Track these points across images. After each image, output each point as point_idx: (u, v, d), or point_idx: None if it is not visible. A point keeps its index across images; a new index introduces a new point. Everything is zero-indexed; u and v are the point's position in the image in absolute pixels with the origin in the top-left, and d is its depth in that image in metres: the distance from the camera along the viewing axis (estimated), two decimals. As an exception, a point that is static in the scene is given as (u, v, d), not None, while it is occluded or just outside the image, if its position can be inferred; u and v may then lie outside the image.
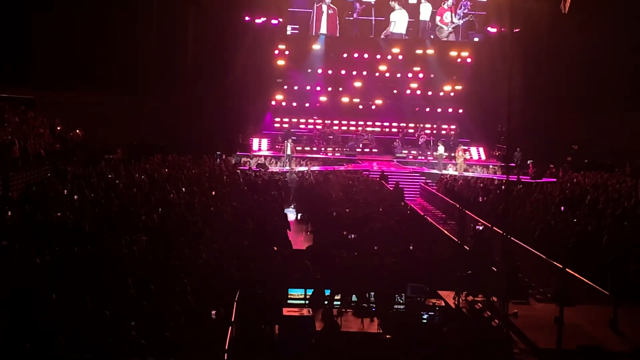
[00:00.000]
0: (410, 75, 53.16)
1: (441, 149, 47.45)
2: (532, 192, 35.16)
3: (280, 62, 52.12)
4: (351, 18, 51.67)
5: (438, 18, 52.03)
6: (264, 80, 52.11)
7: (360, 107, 53.75)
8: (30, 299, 15.09)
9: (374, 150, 50.39)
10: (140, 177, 32.51)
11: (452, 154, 48.42)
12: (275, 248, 23.06)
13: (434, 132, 52.78)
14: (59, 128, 41.98)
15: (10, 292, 15.42)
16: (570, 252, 21.72)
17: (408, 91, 53.42)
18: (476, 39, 52.74)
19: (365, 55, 52.54)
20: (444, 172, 45.60)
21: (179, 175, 33.57)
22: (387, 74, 52.98)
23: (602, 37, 46.85)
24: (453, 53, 52.65)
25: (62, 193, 27.52)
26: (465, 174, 45.21)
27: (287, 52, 52.12)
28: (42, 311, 14.59)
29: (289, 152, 45.91)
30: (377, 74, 52.96)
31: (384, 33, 52.14)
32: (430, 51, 52.69)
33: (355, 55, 52.42)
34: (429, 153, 49.83)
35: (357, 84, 53.04)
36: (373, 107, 53.95)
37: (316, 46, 52.20)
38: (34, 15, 47.86)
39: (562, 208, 30.50)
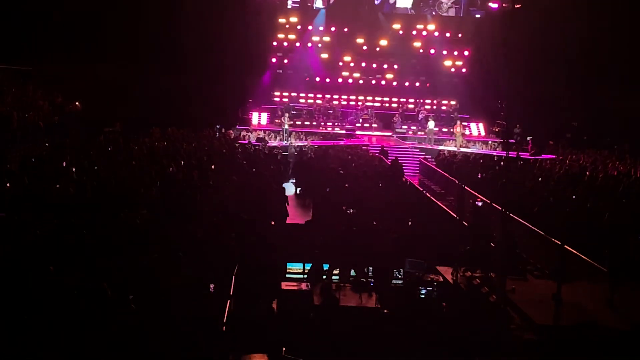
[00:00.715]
0: (411, 49, 53.22)
1: (431, 124, 47.65)
2: (531, 168, 35.16)
3: (281, 36, 52.09)
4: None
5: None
6: (264, 54, 52.10)
7: (361, 82, 53.82)
8: (29, 270, 15.09)
9: (373, 125, 50.42)
10: (139, 150, 32.47)
11: (451, 130, 48.48)
12: (273, 222, 23.07)
13: (434, 107, 52.83)
14: (58, 100, 41.89)
15: (8, 264, 15.42)
16: (569, 229, 21.74)
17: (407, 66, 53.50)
18: (477, 15, 52.60)
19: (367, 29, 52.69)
20: (441, 147, 45.64)
21: (177, 149, 33.54)
22: (389, 49, 53.00)
23: (605, 12, 46.62)
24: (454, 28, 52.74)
25: (61, 165, 27.46)
26: (464, 149, 45.26)
27: (287, 26, 52.09)
28: (40, 282, 14.60)
29: (286, 126, 45.90)
30: (377, 49, 52.93)
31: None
32: (430, 26, 52.65)
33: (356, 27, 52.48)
34: (427, 129, 49.90)
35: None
36: (373, 82, 53.98)
37: (317, 20, 52.15)
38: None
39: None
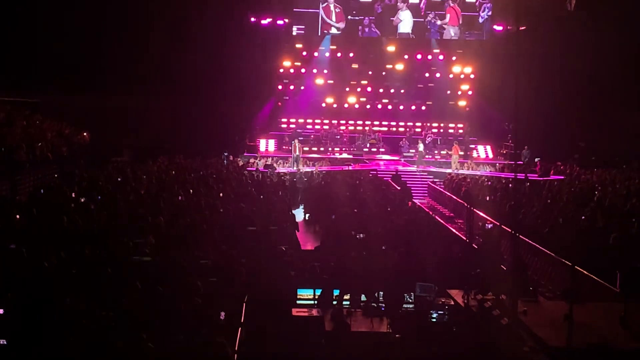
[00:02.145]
0: (417, 74, 53.40)
1: (421, 147, 47.52)
2: (540, 189, 35.10)
3: (287, 63, 52.30)
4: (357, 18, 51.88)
5: (447, 18, 52.05)
6: (271, 81, 52.29)
7: (368, 107, 53.95)
8: (40, 302, 15.08)
9: (381, 149, 50.42)
10: (147, 180, 32.52)
11: (449, 152, 48.61)
12: (283, 248, 23.03)
13: (441, 130, 52.89)
14: (66, 131, 42.02)
15: (19, 296, 15.42)
16: (579, 249, 21.66)
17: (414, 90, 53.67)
18: (483, 39, 52.73)
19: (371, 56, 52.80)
20: (448, 170, 45.63)
21: (186, 177, 33.58)
22: (395, 73, 53.19)
23: (609, 34, 46.68)
24: (459, 50, 52.86)
25: (70, 196, 27.52)
26: (472, 172, 45.25)
27: (292, 53, 52.33)
28: (52, 314, 14.58)
29: (297, 152, 45.95)
30: (384, 73, 53.12)
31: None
32: (436, 50, 52.87)
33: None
34: (436, 152, 50.00)
35: (363, 82, 53.34)
36: (379, 106, 54.11)
37: (322, 47, 52.40)
38: (38, 19, 47.84)
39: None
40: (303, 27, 52.29)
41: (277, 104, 53.43)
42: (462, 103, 53.99)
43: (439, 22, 52.02)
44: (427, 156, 49.33)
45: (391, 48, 52.26)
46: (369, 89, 53.87)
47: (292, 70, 52.94)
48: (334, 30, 51.94)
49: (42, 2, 47.75)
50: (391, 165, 46.32)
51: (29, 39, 47.19)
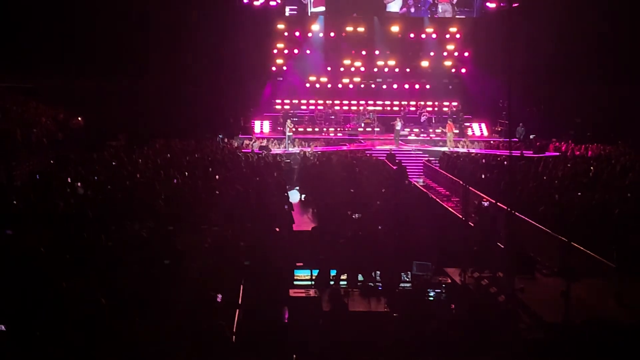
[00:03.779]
0: (410, 53, 53.37)
1: (399, 125, 47.45)
2: (535, 166, 35.10)
3: (280, 45, 52.26)
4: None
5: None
6: (264, 62, 52.22)
7: (362, 86, 53.92)
8: (38, 287, 15.10)
9: (375, 129, 50.34)
10: (143, 163, 32.49)
11: (444, 130, 48.54)
12: (278, 229, 23.07)
13: (435, 109, 52.87)
14: (61, 116, 41.95)
15: (17, 281, 15.43)
16: (575, 226, 21.69)
17: (408, 69, 53.57)
18: (474, 16, 52.62)
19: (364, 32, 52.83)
20: (443, 149, 45.60)
21: (181, 160, 33.56)
22: (387, 52, 53.12)
23: (602, 7, 46.55)
24: (453, 29, 52.79)
25: (66, 181, 27.50)
26: (466, 149, 45.26)
27: (286, 34, 52.25)
28: (49, 299, 14.60)
29: (290, 133, 45.93)
30: (377, 52, 53.07)
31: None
32: (429, 29, 52.84)
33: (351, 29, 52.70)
34: (430, 130, 49.98)
35: (357, 64, 53.30)
36: (373, 85, 54.11)
37: (315, 26, 52.33)
38: (33, 4, 47.71)
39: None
40: (295, 7, 52.18)
41: (272, 85, 53.34)
42: (447, 62, 53.93)
43: None
44: (422, 135, 49.47)
45: (395, 28, 52.30)
46: (362, 68, 53.77)
47: (285, 51, 52.84)
48: (318, 10, 51.93)
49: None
50: (388, 146, 46.25)
51: (22, 24, 47.05)
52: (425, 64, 53.80)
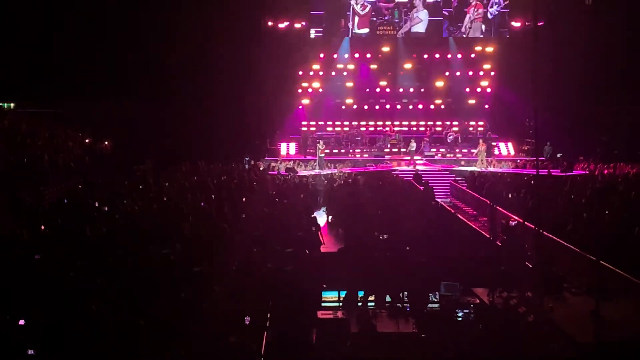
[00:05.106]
0: (436, 73, 53.33)
1: (413, 145, 47.42)
2: (563, 185, 34.94)
3: (305, 65, 52.38)
4: (377, 19, 51.82)
5: (468, 16, 51.86)
6: (289, 85, 52.33)
7: (388, 107, 53.89)
8: (67, 312, 15.15)
9: (402, 150, 50.27)
10: (170, 186, 32.62)
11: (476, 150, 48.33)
12: (307, 251, 23.05)
13: (462, 129, 52.73)
14: (87, 141, 42.26)
15: (46, 306, 15.49)
16: (604, 244, 21.54)
17: (433, 89, 53.55)
18: (507, 35, 52.46)
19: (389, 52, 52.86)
20: (470, 169, 45.48)
21: (208, 183, 33.64)
22: (412, 72, 53.15)
23: (628, 26, 46.38)
24: (478, 48, 52.71)
25: (94, 205, 27.65)
26: (491, 169, 45.13)
27: (311, 55, 52.39)
28: (79, 324, 14.65)
29: (320, 154, 45.98)
30: (402, 73, 53.08)
31: (401, 31, 52.08)
32: (454, 49, 52.90)
33: (380, 55, 52.76)
34: (457, 150, 49.86)
35: (383, 83, 53.34)
36: (399, 106, 54.07)
37: (342, 48, 52.51)
38: (59, 29, 48.16)
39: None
40: (321, 29, 52.30)
41: (298, 107, 53.43)
42: (483, 83, 53.68)
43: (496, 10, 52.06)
44: (448, 155, 49.44)
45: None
46: (387, 89, 53.79)
47: (311, 73, 52.90)
48: (362, 31, 52.12)
49: (58, 14, 48.11)
50: (417, 166, 46.22)
51: (49, 49, 47.50)
52: (450, 83, 53.70)
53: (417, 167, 45.88)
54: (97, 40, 48.14)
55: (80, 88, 47.06)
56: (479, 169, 44.85)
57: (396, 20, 51.84)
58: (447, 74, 53.62)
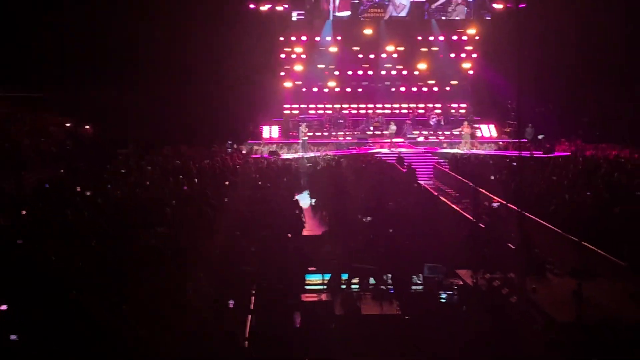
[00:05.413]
0: (418, 56, 53.29)
1: (392, 128, 47.41)
2: (545, 167, 35.04)
3: (288, 49, 52.25)
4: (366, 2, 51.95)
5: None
6: (272, 67, 52.18)
7: (370, 89, 53.82)
8: (49, 296, 15.12)
9: (384, 132, 50.26)
10: (152, 170, 32.55)
11: (460, 132, 48.37)
12: (289, 235, 23.05)
13: (444, 111, 52.76)
14: (67, 125, 42.06)
15: (28, 291, 15.46)
16: (586, 225, 21.63)
17: (416, 72, 53.46)
18: (487, 17, 52.49)
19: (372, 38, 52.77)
20: (452, 150, 45.59)
21: (191, 167, 33.59)
22: (395, 55, 53.05)
23: (611, 7, 46.40)
24: (460, 30, 52.85)
25: (76, 190, 27.55)
26: (474, 151, 45.22)
27: (293, 38, 52.26)
28: (61, 309, 14.62)
29: (303, 137, 45.93)
30: (384, 55, 53.00)
31: (385, 16, 52.25)
32: (436, 31, 52.92)
33: (362, 38, 52.66)
34: (440, 133, 49.92)
35: (365, 66, 53.35)
36: (381, 89, 53.99)
37: (324, 31, 52.43)
38: (41, 14, 47.85)
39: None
40: (303, 12, 52.23)
41: (280, 90, 53.25)
42: (466, 65, 53.70)
43: None
44: (431, 137, 49.51)
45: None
46: (370, 72, 53.74)
47: (293, 56, 52.76)
48: (343, 14, 52.18)
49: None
50: (399, 149, 46.24)
51: (30, 33, 47.21)
52: (433, 66, 53.67)
53: (400, 149, 45.86)
54: (79, 27, 47.81)
55: (60, 73, 46.78)
56: (462, 151, 44.94)
57: (386, 3, 51.99)
58: (429, 56, 53.57)
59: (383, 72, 53.71)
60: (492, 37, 49.68)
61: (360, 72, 53.58)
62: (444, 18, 53.00)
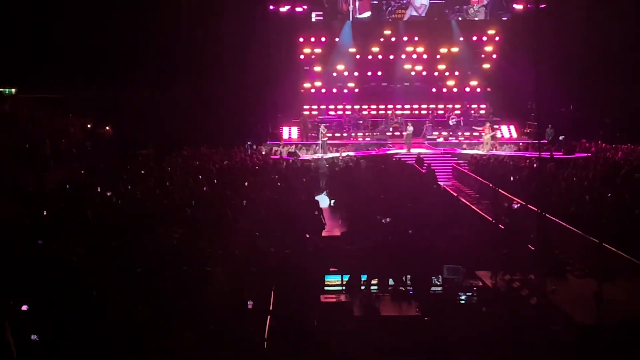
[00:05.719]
0: (438, 56, 53.17)
1: (410, 129, 47.14)
2: (565, 168, 34.90)
3: (307, 50, 52.23)
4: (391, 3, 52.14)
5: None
6: (291, 68, 52.20)
7: (390, 90, 53.79)
8: (70, 296, 15.16)
9: (404, 133, 50.17)
10: (172, 171, 32.62)
11: (481, 133, 48.19)
12: (307, 235, 23.07)
13: (464, 111, 52.58)
14: (88, 126, 42.23)
15: (49, 291, 15.51)
16: (607, 227, 21.54)
17: (436, 73, 53.39)
18: (504, 18, 52.41)
19: (393, 39, 52.65)
20: (471, 152, 45.44)
21: (210, 168, 33.64)
22: (414, 56, 52.97)
23: (628, 7, 46.15)
24: (480, 31, 52.72)
25: (96, 190, 27.64)
26: (494, 152, 45.05)
27: (312, 39, 52.25)
28: (81, 308, 14.67)
29: (323, 137, 45.92)
30: (403, 56, 52.92)
31: (405, 17, 52.34)
32: (456, 32, 52.81)
33: (382, 39, 52.59)
34: (459, 134, 49.77)
35: (385, 67, 53.29)
36: (400, 90, 53.92)
37: (344, 32, 52.43)
38: (60, 15, 48.05)
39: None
40: (322, 13, 52.31)
41: (300, 91, 53.25)
42: (486, 66, 53.56)
43: None
44: (450, 138, 49.37)
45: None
46: (390, 73, 53.67)
47: (313, 57, 52.79)
48: (364, 16, 52.31)
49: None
50: (419, 149, 46.14)
51: (50, 34, 47.41)
52: (452, 66, 53.57)
53: (419, 150, 45.75)
54: (98, 28, 47.97)
55: (81, 74, 46.96)
56: (482, 152, 44.80)
57: (404, 1, 52.14)
58: (448, 57, 53.46)
59: (403, 73, 53.58)
60: (512, 38, 49.50)
61: (379, 73, 53.50)
62: (460, 19, 52.92)
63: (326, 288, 20.32)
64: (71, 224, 21.57)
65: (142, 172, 32.71)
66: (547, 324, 16.02)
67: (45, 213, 23.38)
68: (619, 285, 17.97)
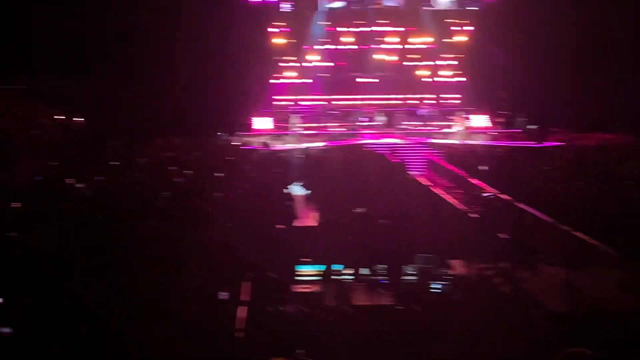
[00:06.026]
0: (410, 46, 53.19)
1: (382, 119, 47.31)
2: (537, 156, 35.07)
3: (278, 40, 52.12)
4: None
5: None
6: (263, 59, 52.08)
7: (362, 80, 53.77)
8: (42, 289, 15.11)
9: (375, 123, 50.23)
10: (144, 162, 32.50)
11: (452, 122, 48.37)
12: (281, 226, 23.07)
13: (436, 102, 52.71)
14: (60, 117, 41.95)
15: (21, 284, 15.44)
16: (577, 215, 21.69)
17: (408, 63, 53.43)
18: (475, 8, 52.52)
19: (365, 29, 52.65)
20: (443, 141, 45.59)
21: (183, 158, 33.56)
22: (386, 46, 52.99)
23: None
24: (452, 20, 52.79)
25: (68, 182, 27.50)
26: (468, 142, 45.20)
27: (283, 30, 52.15)
28: (55, 301, 14.62)
29: (295, 128, 45.94)
30: (376, 46, 52.94)
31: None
32: (429, 20, 52.85)
33: (353, 29, 52.57)
34: (431, 123, 49.87)
35: (357, 57, 53.23)
36: (375, 80, 53.91)
37: (315, 21, 52.34)
38: (28, 5, 47.70)
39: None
40: (292, 2, 52.20)
41: (272, 82, 53.16)
42: (459, 55, 53.64)
43: None
44: (423, 128, 49.46)
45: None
46: (362, 63, 53.64)
47: (284, 47, 52.64)
48: (336, 5, 52.23)
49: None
50: (390, 139, 46.21)
51: (15, 26, 47.06)
52: (425, 56, 53.65)
53: (391, 140, 45.83)
54: (68, 18, 47.63)
55: (52, 65, 46.63)
56: (455, 142, 44.93)
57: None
58: (422, 46, 53.49)
59: (375, 63, 53.57)
60: (484, 27, 49.63)
61: (352, 63, 53.44)
62: (432, 8, 53.00)
63: (299, 278, 20.32)
64: (43, 216, 21.49)
65: (115, 163, 32.58)
66: (519, 312, 16.12)
67: (19, 205, 23.27)
68: (590, 273, 18.10)
